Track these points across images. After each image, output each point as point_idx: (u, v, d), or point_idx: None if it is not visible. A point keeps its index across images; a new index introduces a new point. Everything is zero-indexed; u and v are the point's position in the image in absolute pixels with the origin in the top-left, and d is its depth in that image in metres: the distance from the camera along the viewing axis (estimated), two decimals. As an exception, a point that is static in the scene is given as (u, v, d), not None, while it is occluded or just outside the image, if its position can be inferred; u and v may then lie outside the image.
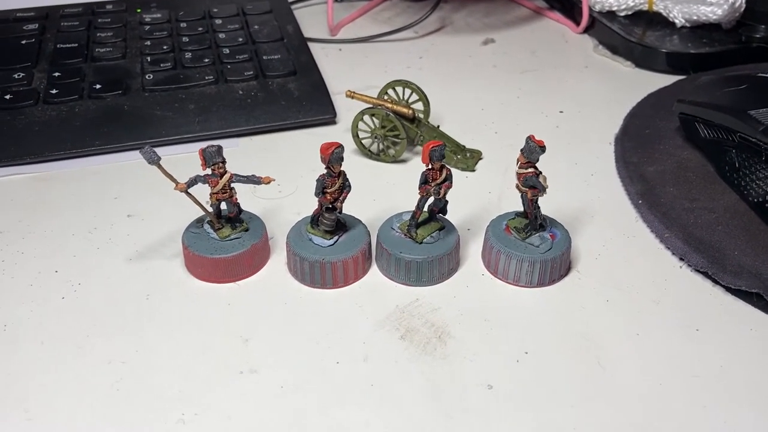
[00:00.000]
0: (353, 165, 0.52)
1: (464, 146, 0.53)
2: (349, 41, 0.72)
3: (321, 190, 0.39)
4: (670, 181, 0.48)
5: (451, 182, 0.40)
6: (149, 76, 0.58)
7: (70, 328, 0.38)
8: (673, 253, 0.43)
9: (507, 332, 0.38)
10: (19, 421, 0.33)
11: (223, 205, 0.41)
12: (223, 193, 0.40)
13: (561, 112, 0.60)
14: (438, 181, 0.40)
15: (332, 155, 0.38)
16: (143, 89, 0.57)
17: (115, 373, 0.35)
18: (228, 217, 0.42)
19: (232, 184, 0.40)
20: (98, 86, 0.56)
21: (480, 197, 0.49)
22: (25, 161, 0.51)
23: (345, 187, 0.40)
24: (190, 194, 0.40)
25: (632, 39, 0.67)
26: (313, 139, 0.56)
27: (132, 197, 0.48)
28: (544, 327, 0.38)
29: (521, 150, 0.39)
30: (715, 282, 0.41)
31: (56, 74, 0.58)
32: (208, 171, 0.39)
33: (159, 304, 0.40)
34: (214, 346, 0.37)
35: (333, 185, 0.39)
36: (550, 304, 0.40)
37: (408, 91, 0.55)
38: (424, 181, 0.40)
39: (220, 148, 0.39)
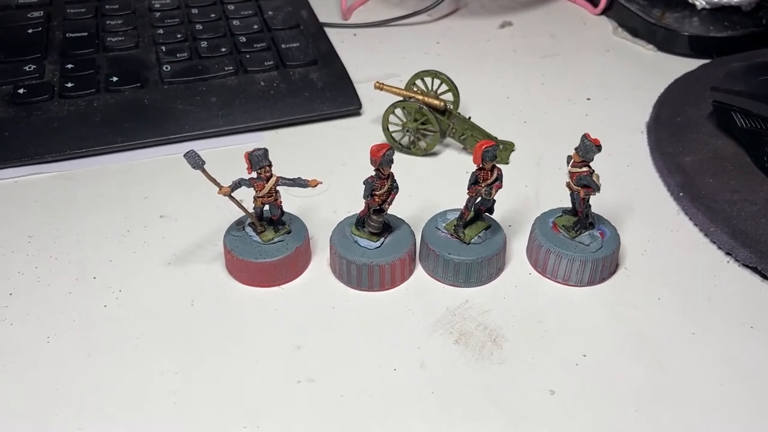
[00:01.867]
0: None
1: (496, 138, 0.52)
2: (364, 26, 0.70)
3: (370, 193, 0.38)
4: (708, 172, 0.48)
5: (502, 182, 0.39)
6: (167, 68, 0.56)
7: (116, 337, 0.37)
8: (720, 248, 0.43)
9: (562, 334, 0.38)
10: (74, 439, 0.32)
11: (266, 208, 0.40)
12: (269, 197, 0.39)
13: (588, 99, 0.59)
14: (489, 182, 0.39)
15: (383, 158, 0.37)
16: (162, 81, 0.55)
17: (169, 385, 0.34)
18: (270, 219, 0.40)
19: (278, 187, 0.39)
20: (115, 79, 0.54)
21: (516, 191, 0.48)
22: (46, 159, 0.49)
23: (393, 189, 0.39)
24: (233, 198, 0.39)
25: (653, 21, 0.66)
26: (339, 132, 0.55)
27: (162, 197, 0.47)
28: (599, 327, 0.38)
29: (576, 149, 0.38)
30: (764, 277, 0.41)
31: (69, 66, 0.56)
32: (254, 174, 0.38)
33: (205, 311, 0.39)
34: (267, 354, 0.36)
35: (382, 187, 0.38)
36: (603, 303, 0.39)
37: (437, 82, 0.53)
38: (474, 182, 0.39)
39: (266, 151, 0.37)
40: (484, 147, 0.37)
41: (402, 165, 0.51)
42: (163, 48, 0.58)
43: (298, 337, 0.37)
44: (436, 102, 0.51)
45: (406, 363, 0.36)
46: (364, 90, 0.57)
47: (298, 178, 0.39)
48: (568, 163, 0.39)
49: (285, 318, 0.38)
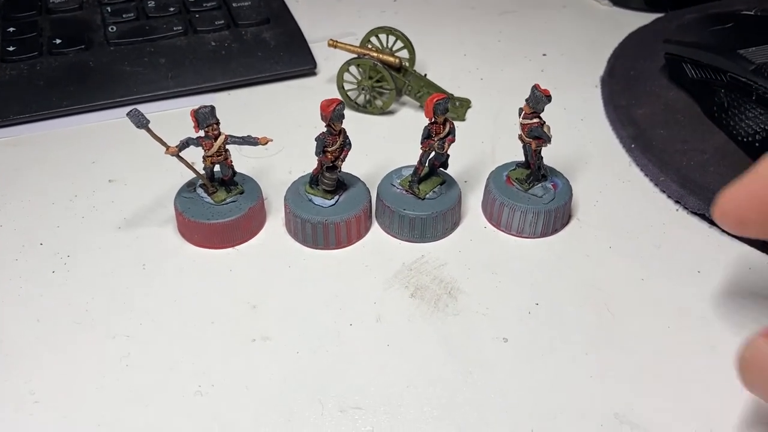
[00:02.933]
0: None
1: (452, 95, 0.52)
2: (318, -15, 0.68)
3: (322, 150, 0.38)
4: (660, 124, 0.48)
5: (455, 136, 0.39)
6: (112, 29, 0.54)
7: (65, 303, 0.36)
8: (669, 197, 0.44)
9: (516, 284, 0.38)
10: (25, 404, 0.32)
11: (217, 168, 0.39)
12: (218, 156, 0.38)
13: (544, 55, 0.59)
14: (441, 136, 0.38)
15: (333, 113, 0.36)
16: (107, 43, 0.53)
17: (121, 348, 0.34)
18: (222, 179, 0.40)
19: (227, 146, 0.38)
20: (58, 41, 0.53)
21: (473, 147, 0.48)
22: (-11, 126, 0.47)
23: (345, 145, 0.39)
24: (181, 158, 0.38)
25: (608, -24, 0.66)
26: (294, 92, 0.54)
27: (110, 161, 0.46)
28: (551, 277, 0.38)
29: (526, 100, 0.38)
30: (712, 224, 0.42)
31: (10, 29, 0.54)
32: (201, 133, 0.37)
33: (157, 273, 0.38)
34: (221, 314, 0.36)
35: (334, 144, 0.38)
36: (556, 253, 0.40)
37: (392, 39, 0.53)
38: (427, 136, 0.39)
39: (212, 108, 0.37)
40: (435, 100, 0.37)
41: (358, 124, 0.50)
42: (108, 9, 0.57)
43: (254, 297, 0.37)
44: (392, 59, 0.50)
45: (363, 318, 0.36)
46: (318, 49, 0.57)
47: (248, 136, 0.38)
48: (519, 115, 0.39)
49: (240, 279, 0.38)
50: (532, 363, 0.34)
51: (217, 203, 0.39)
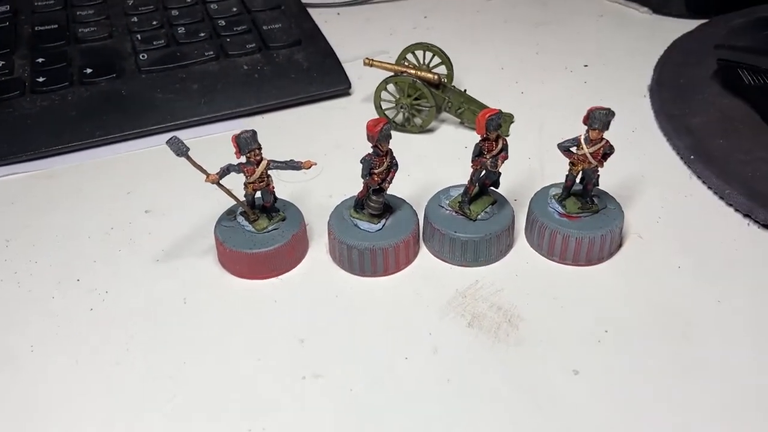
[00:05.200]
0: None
1: (499, 110, 0.50)
2: (346, 4, 0.67)
3: (368, 172, 0.36)
4: (718, 133, 0.46)
5: (508, 152, 0.37)
6: (143, 56, 0.53)
7: (104, 343, 0.34)
8: (737, 210, 0.41)
9: (581, 311, 0.35)
10: (66, 454, 0.30)
11: (258, 194, 0.37)
12: (260, 182, 0.36)
13: (586, 66, 0.56)
14: (494, 153, 0.36)
15: (381, 133, 0.34)
16: (139, 70, 0.52)
17: (165, 390, 0.32)
18: (263, 206, 0.38)
19: (269, 172, 0.36)
20: (89, 70, 0.51)
21: (520, 164, 0.46)
22: (21, 159, 0.46)
23: (392, 167, 0.37)
24: (222, 186, 0.36)
25: (647, -18, 0.63)
26: (329, 113, 0.52)
27: (146, 191, 0.44)
28: (618, 301, 0.36)
29: (590, 126, 0.35)
30: (787, 238, 0.39)
31: (39, 60, 0.53)
32: (243, 159, 0.35)
33: (199, 308, 0.36)
34: (268, 349, 0.34)
35: (381, 165, 0.36)
36: (620, 275, 0.37)
37: (429, 55, 0.51)
38: (479, 154, 0.37)
39: (254, 133, 0.35)
40: (488, 116, 0.35)
41: (398, 143, 0.48)
42: (139, 36, 0.56)
43: (301, 330, 0.35)
44: (430, 75, 0.48)
45: (418, 350, 0.34)
46: (352, 69, 0.55)
47: (291, 160, 0.36)
48: (578, 146, 0.36)
49: (285, 310, 0.36)
50: (607, 397, 0.31)
51: (259, 231, 0.37)
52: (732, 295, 0.36)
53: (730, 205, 0.41)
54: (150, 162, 0.46)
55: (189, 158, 0.34)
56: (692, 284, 0.36)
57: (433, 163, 0.46)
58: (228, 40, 0.55)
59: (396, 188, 0.41)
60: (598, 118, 0.34)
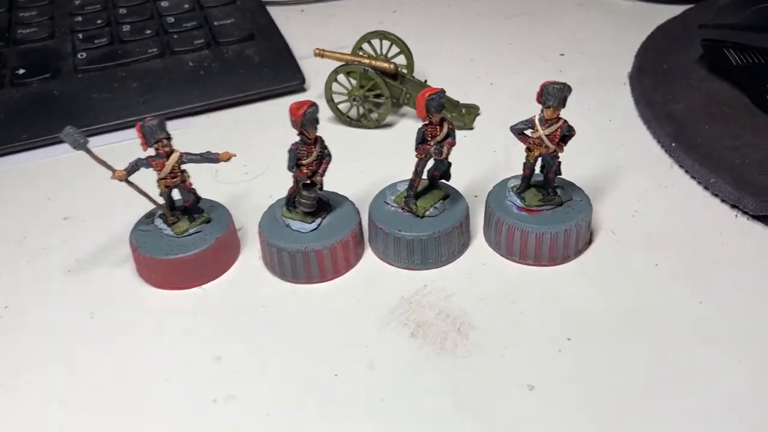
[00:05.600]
0: (331, 134, 0.44)
1: (458, 102, 0.46)
2: (312, 1, 0.63)
3: (295, 163, 0.31)
4: (703, 119, 0.41)
5: (455, 138, 0.32)
6: (81, 55, 0.49)
7: (-6, 364, 0.30)
8: (724, 200, 0.36)
9: (542, 316, 0.31)
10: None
11: (176, 194, 0.33)
12: (173, 178, 0.32)
13: (562, 55, 0.52)
14: (438, 139, 0.32)
15: (305, 117, 0.30)
16: (75, 70, 0.48)
17: (52, 418, 0.28)
18: (184, 207, 0.34)
19: (184, 166, 0.32)
20: (21, 71, 0.48)
21: (484, 157, 0.41)
22: (-62, 165, 0.42)
23: (324, 157, 0.32)
24: (131, 183, 0.32)
25: (629, -31, 0.59)
26: (281, 110, 0.47)
27: (68, 197, 0.40)
28: (585, 305, 0.31)
29: (545, 104, 0.31)
30: (781, 229, 0.34)
31: (-28, 63, 0.49)
32: (152, 151, 0.31)
33: (106, 324, 0.32)
34: (178, 369, 0.29)
35: (309, 155, 0.31)
36: (589, 276, 0.33)
37: (386, 44, 0.47)
38: (422, 140, 0.32)
39: (162, 121, 0.31)
40: (427, 95, 0.30)
41: (352, 139, 0.44)
42: (80, 35, 0.52)
43: (219, 346, 0.30)
44: (386, 65, 0.44)
45: (351, 366, 0.29)
46: (309, 65, 0.51)
47: (207, 152, 0.32)
48: (533, 127, 0.32)
49: (204, 324, 0.31)
50: (565, 415, 0.27)
51: (179, 235, 0.33)
52: (716, 296, 0.31)
53: (716, 195, 0.36)
54: (77, 166, 0.42)
55: (89, 151, 0.30)
56: (671, 284, 0.32)
57: (389, 159, 0.42)
58: (175, 36, 0.51)
59: (346, 186, 0.37)
60: (552, 94, 0.30)
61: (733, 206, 0.36)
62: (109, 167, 0.31)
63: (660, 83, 0.46)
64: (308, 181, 0.32)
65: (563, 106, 0.30)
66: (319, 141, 0.32)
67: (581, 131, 0.42)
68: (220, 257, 0.34)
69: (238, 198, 0.39)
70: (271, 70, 0.49)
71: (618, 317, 0.30)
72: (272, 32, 0.53)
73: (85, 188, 0.40)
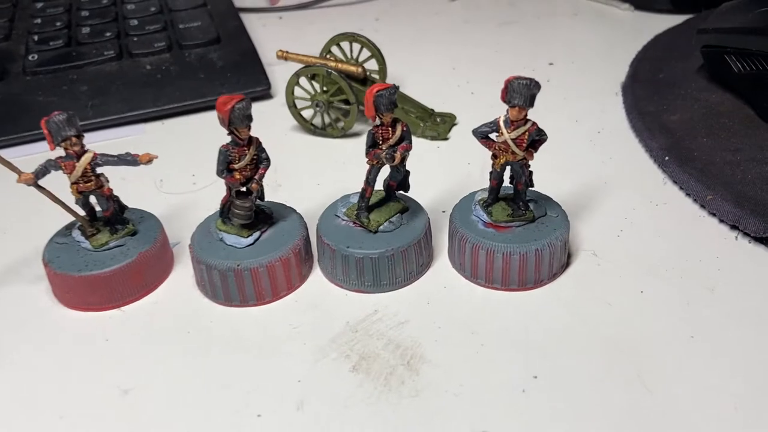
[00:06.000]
0: (291, 142, 0.41)
1: (433, 110, 0.42)
2: (290, 8, 0.60)
3: (225, 167, 0.28)
4: (701, 131, 0.37)
5: (411, 142, 0.28)
6: (33, 57, 0.46)
7: None
8: (722, 220, 0.32)
9: (506, 349, 0.26)
10: None
11: (97, 203, 0.29)
12: (87, 183, 0.28)
13: (551, 64, 0.48)
14: (391, 142, 0.28)
15: (233, 113, 0.26)
16: (24, 72, 0.45)
17: None
18: (106, 218, 0.30)
19: (99, 169, 0.28)
20: (-35, 73, 0.44)
21: (457, 170, 0.37)
22: None
23: (261, 162, 0.28)
24: (41, 188, 0.28)
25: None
26: (243, 117, 0.44)
27: (-7, 205, 0.36)
28: (557, 337, 0.27)
29: (510, 103, 0.26)
30: (788, 254, 0.30)
31: None
32: (61, 151, 0.27)
33: (5, 349, 0.28)
34: (78, 404, 0.25)
35: (241, 158, 0.27)
36: (563, 303, 0.28)
37: (357, 47, 0.43)
38: (372, 144, 0.28)
39: (70, 116, 0.27)
40: (375, 90, 0.27)
41: (315, 149, 0.40)
42: (36, 37, 0.49)
43: (128, 378, 0.26)
44: (353, 68, 0.41)
45: (278, 405, 0.25)
46: (279, 72, 0.48)
47: (126, 153, 0.28)
48: (498, 130, 0.28)
49: (115, 352, 0.27)
50: (526, 471, 0.22)
51: (96, 248, 0.29)
52: (712, 331, 0.26)
53: (713, 214, 0.32)
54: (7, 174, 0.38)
55: (-12, 150, 0.26)
56: (659, 316, 0.27)
57: (352, 171, 0.38)
58: (135, 39, 0.48)
59: (299, 199, 0.33)
60: (518, 91, 0.26)
61: (733, 227, 0.31)
62: (15, 169, 0.27)
63: (654, 93, 0.42)
64: (243, 189, 0.28)
65: (531, 105, 0.26)
66: (254, 143, 0.28)
67: (567, 143, 0.38)
68: (143, 275, 0.29)
69: (181, 210, 0.35)
70: (235, 75, 0.45)
71: (595, 353, 0.26)
72: (240, 37, 0.50)
73: (12, 198, 0.36)
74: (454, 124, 0.41)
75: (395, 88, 0.27)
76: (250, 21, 0.57)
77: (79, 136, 0.27)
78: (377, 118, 0.27)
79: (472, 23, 0.56)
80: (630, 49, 0.49)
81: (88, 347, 0.27)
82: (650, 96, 0.41)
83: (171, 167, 0.39)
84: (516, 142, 0.27)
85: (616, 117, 0.41)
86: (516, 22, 0.55)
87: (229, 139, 0.27)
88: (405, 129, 0.28)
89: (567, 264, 0.30)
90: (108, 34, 0.49)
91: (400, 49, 0.51)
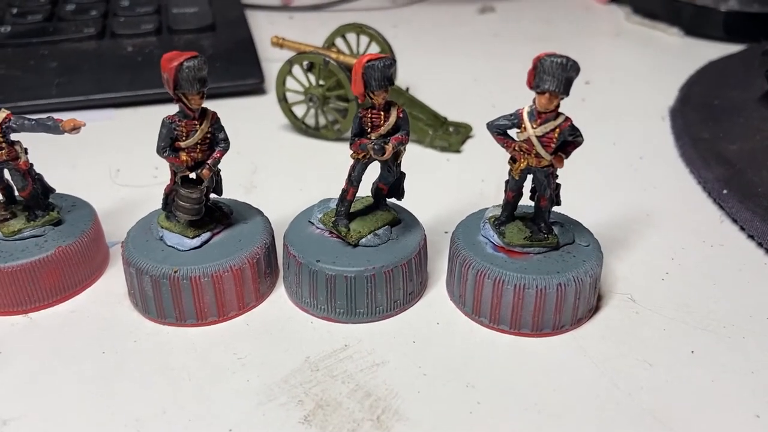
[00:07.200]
0: (279, 143, 0.35)
1: (446, 118, 0.36)
2: (303, 9, 0.55)
3: (169, 144, 0.22)
4: (766, 163, 0.31)
5: (408, 133, 0.22)
6: (5, 29, 0.41)
7: None
8: (797, 270, 0.25)
9: (510, 411, 0.20)
10: None
11: (13, 180, 0.24)
12: (-4, 150, 0.22)
13: (587, 83, 0.42)
14: (382, 131, 0.22)
15: (180, 72, 0.20)
16: (-8, 44, 0.40)
17: None
18: (25, 201, 0.24)
19: (14, 135, 0.22)
20: (-76, 40, 0.40)
21: (467, 187, 0.31)
22: None
23: (217, 143, 0.22)
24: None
25: (678, -1, 0.50)
26: (230, 111, 0.38)
27: None
28: (580, 402, 0.20)
29: (537, 85, 0.21)
30: None
31: None
32: (-34, 108, 0.22)
33: None
34: (-66, 434, 0.19)
35: (190, 134, 0.22)
36: (590, 357, 0.22)
37: (365, 41, 0.38)
38: (359, 132, 0.22)
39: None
40: (365, 61, 0.21)
41: (303, 148, 0.35)
42: (15, 10, 0.44)
43: (13, 407, 0.20)
44: (354, 61, 0.35)
45: (197, 460, 0.18)
46: (276, 68, 0.42)
47: (48, 117, 0.23)
48: (520, 126, 0.22)
49: (5, 370, 0.21)
50: None
51: (6, 236, 0.23)
52: (788, 409, 0.20)
53: (784, 261, 0.26)
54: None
55: None
56: (714, 383, 0.21)
57: (343, 177, 0.32)
58: (121, 20, 0.43)
59: (278, 205, 0.27)
60: (550, 72, 0.20)
61: (812, 279, 0.25)
62: None
63: (708, 119, 0.35)
64: (192, 176, 0.22)
65: (566, 93, 0.20)
66: (209, 117, 0.22)
67: (603, 165, 0.32)
68: (62, 275, 0.23)
69: (133, 205, 0.29)
70: (225, 64, 0.40)
71: (628, 427, 0.19)
72: (239, 26, 0.45)
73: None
74: (469, 136, 0.36)
75: (392, 61, 0.21)
76: (257, 19, 0.52)
77: (-13, 89, 0.21)
78: (366, 97, 0.21)
79: (501, 37, 0.51)
80: (678, 73, 0.43)
81: (-29, 360, 0.21)
82: (704, 122, 0.35)
83: (132, 157, 0.33)
84: (542, 141, 0.21)
85: (662, 142, 0.35)
86: (551, 39, 0.50)
87: (177, 109, 0.22)
88: (402, 116, 0.22)
89: (596, 308, 0.23)
90: (93, 12, 0.44)
91: (418, 57, 0.45)
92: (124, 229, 0.27)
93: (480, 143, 0.35)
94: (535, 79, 0.20)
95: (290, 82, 0.35)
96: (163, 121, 0.21)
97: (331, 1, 0.55)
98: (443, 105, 0.38)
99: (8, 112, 0.22)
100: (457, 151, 0.34)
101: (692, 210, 0.29)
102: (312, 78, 0.35)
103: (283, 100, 0.35)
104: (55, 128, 0.22)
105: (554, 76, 0.20)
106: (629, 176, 0.32)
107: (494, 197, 0.31)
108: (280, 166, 0.33)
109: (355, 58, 0.35)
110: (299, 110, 0.36)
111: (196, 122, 0.21)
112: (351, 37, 0.38)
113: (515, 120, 0.21)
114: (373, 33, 0.37)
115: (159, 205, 0.29)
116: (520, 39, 0.50)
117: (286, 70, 0.34)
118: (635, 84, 0.43)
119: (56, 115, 0.37)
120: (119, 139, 0.35)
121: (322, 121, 0.35)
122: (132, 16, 0.44)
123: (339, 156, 0.34)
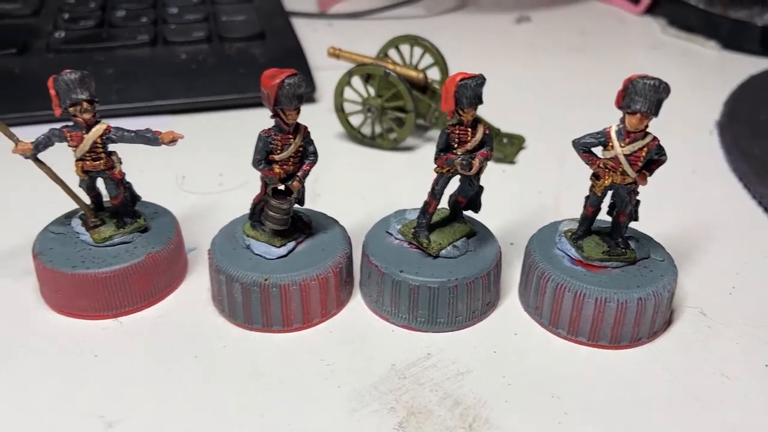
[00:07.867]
0: (336, 152, 0.36)
1: (499, 130, 0.37)
2: (342, 17, 0.56)
3: (264, 156, 0.22)
4: (820, 178, 0.31)
5: (492, 149, 0.23)
6: (59, 34, 0.42)
7: None
8: None
9: (595, 421, 0.20)
10: None
11: (103, 188, 0.24)
12: (95, 161, 0.23)
13: (629, 95, 0.43)
14: (469, 147, 0.23)
15: (281, 89, 0.21)
16: (47, 49, 0.41)
17: None
18: (114, 208, 0.25)
19: (112, 146, 0.23)
20: (-15, 44, 0.40)
21: (525, 199, 0.32)
22: None
23: (307, 156, 0.23)
24: (41, 163, 0.23)
25: (717, 12, 0.51)
26: (283, 120, 0.39)
27: (-9, 186, 0.31)
28: (659, 412, 0.21)
29: (627, 106, 0.21)
30: None
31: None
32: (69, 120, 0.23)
33: (-29, 355, 0.22)
34: (45, 435, 0.20)
35: (285, 147, 0.22)
36: (668, 370, 0.22)
37: (418, 52, 0.39)
38: (445, 147, 0.23)
39: (84, 76, 0.22)
40: (458, 79, 0.21)
41: (362, 160, 0.35)
42: (66, 15, 0.45)
43: (116, 408, 0.21)
44: (413, 73, 0.36)
45: (300, 464, 0.19)
46: (325, 76, 0.43)
47: (146, 129, 0.23)
48: (604, 145, 0.22)
49: (104, 374, 0.22)
50: None
51: (98, 243, 0.24)
52: None
53: None
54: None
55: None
56: (794, 397, 0.21)
57: (401, 187, 0.33)
58: (172, 27, 0.44)
59: (343, 213, 0.27)
60: (642, 93, 0.21)
61: None
62: (11, 137, 0.23)
63: (758, 135, 0.36)
64: (281, 187, 0.23)
65: (656, 114, 0.21)
66: (302, 131, 0.23)
67: (655, 180, 0.33)
68: (150, 281, 0.24)
69: (202, 212, 0.30)
70: (278, 73, 0.41)
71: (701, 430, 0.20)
72: (286, 34, 0.45)
73: (11, 178, 0.32)
74: (522, 148, 0.36)
75: (482, 79, 0.22)
76: (298, 25, 0.53)
77: (92, 102, 0.22)
78: (456, 114, 0.22)
79: (538, 47, 0.51)
80: (719, 87, 0.43)
81: (71, 363, 0.22)
82: (754, 136, 0.36)
83: (196, 164, 0.34)
84: (630, 159, 0.21)
85: (712, 157, 0.36)
86: (587, 50, 0.51)
87: (272, 123, 0.22)
88: (487, 133, 0.23)
89: (669, 321, 0.24)
90: (144, 19, 0.45)
91: (456, 67, 0.46)
92: (197, 236, 0.28)
93: (533, 154, 0.36)
94: (625, 100, 0.21)
95: (347, 92, 0.36)
96: (260, 135, 0.22)
97: (368, 9, 0.56)
98: (491, 116, 0.38)
99: (108, 124, 0.23)
100: (512, 162, 0.35)
101: (750, 225, 0.30)
102: (370, 89, 0.35)
103: (340, 110, 0.36)
104: (155, 140, 0.23)
105: (646, 97, 0.20)
106: (685, 191, 0.33)
107: (553, 209, 0.31)
108: (339, 174, 0.34)
109: (413, 70, 0.36)
110: (355, 120, 0.37)
111: (291, 136, 0.22)
112: (404, 48, 0.39)
113: (602, 138, 0.22)
114: (427, 44, 0.38)
115: (226, 212, 0.30)
116: (557, 49, 0.51)
117: (345, 81, 0.35)
118: (677, 97, 0.43)
119: (114, 122, 0.38)
120: (182, 146, 0.36)
121: (378, 130, 0.36)
122: (182, 23, 0.45)
123: (395, 165, 0.35)
